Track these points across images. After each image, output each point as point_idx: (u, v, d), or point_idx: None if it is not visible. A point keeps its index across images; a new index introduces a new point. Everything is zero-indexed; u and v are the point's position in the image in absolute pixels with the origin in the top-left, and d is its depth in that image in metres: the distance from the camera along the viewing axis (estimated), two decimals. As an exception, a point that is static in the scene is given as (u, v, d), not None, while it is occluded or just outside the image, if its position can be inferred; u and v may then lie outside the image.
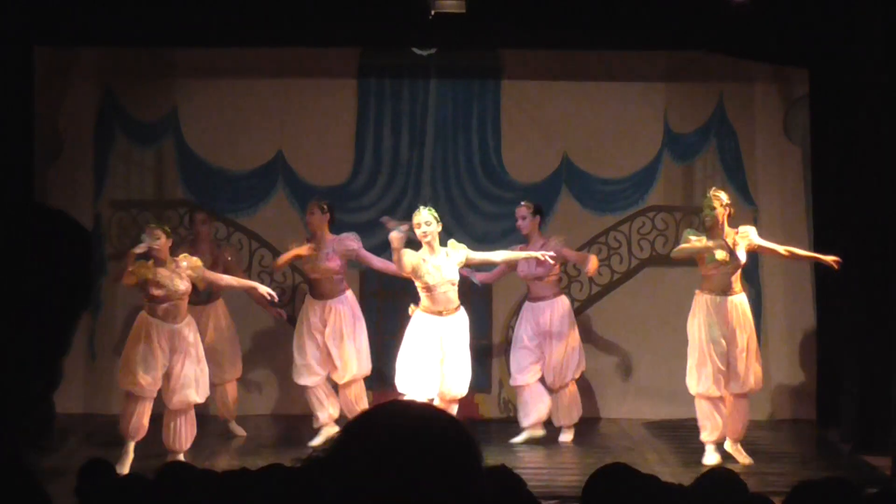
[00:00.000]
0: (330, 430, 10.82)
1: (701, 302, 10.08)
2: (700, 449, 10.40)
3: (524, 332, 11.12)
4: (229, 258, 11.25)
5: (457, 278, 10.14)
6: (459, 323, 10.21)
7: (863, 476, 9.40)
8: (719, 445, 10.16)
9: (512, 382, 11.21)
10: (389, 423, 2.25)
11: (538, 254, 10.35)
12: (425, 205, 10.43)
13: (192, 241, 11.15)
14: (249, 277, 11.75)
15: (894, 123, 9.77)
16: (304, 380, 10.95)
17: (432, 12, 10.33)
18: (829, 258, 10.19)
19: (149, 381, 9.89)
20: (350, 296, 11.00)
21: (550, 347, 11.08)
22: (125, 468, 9.64)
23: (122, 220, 12.16)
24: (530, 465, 10.05)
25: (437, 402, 10.03)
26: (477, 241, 11.88)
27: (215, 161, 12.19)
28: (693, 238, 10.04)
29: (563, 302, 11.17)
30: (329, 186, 12.16)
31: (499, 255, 10.56)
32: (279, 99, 12.17)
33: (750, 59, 11.84)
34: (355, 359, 10.85)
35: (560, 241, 11.05)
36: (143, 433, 9.94)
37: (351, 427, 2.30)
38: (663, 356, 12.07)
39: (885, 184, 9.89)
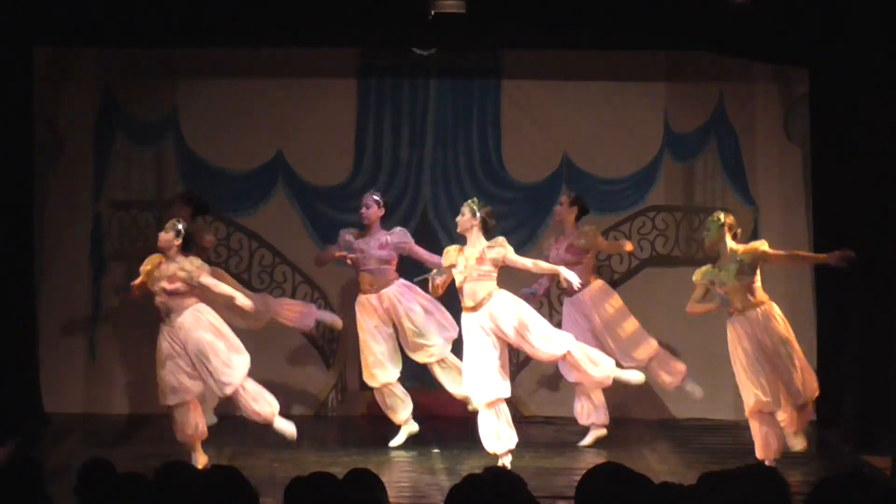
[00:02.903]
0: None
1: (731, 328, 9.80)
2: (700, 450, 10.40)
3: (575, 325, 10.95)
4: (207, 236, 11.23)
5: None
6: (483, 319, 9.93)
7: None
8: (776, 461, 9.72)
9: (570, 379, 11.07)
10: None
11: (566, 274, 9.80)
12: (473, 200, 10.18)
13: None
14: (250, 278, 11.77)
15: (894, 123, 9.77)
16: (373, 380, 10.82)
17: (432, 12, 10.33)
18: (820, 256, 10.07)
19: (175, 388, 9.77)
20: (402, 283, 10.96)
21: (605, 326, 11.03)
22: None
23: (122, 220, 12.15)
24: (530, 466, 10.05)
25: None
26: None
27: (215, 161, 12.19)
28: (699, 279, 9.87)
29: (601, 285, 11.16)
30: (329, 186, 12.17)
31: (533, 263, 10.03)
32: (279, 99, 12.17)
33: (750, 59, 11.84)
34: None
35: (593, 232, 11.05)
36: (205, 433, 9.87)
37: None
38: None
39: (885, 184, 9.89)
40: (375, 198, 10.87)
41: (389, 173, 12.26)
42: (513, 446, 9.80)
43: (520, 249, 11.60)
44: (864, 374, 10.31)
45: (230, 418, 11.58)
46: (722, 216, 9.83)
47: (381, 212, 10.84)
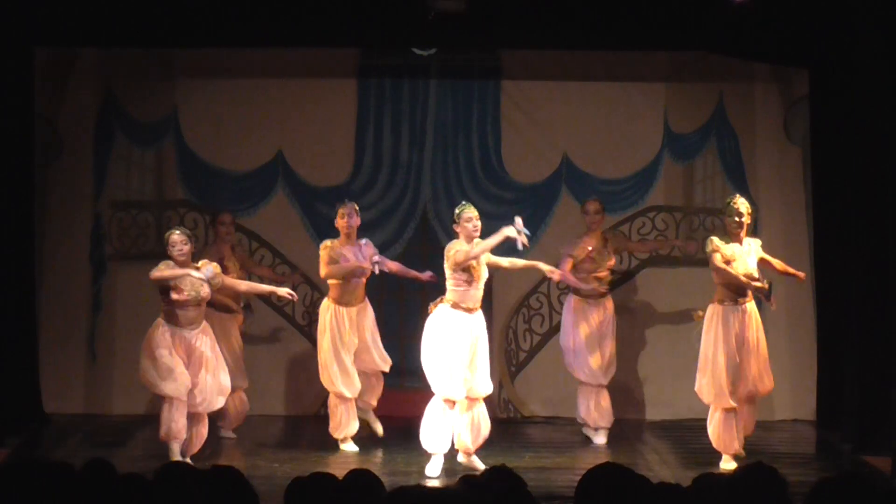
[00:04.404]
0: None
1: (716, 313, 9.98)
2: (700, 450, 10.39)
3: (584, 327, 11.06)
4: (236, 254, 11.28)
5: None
6: (483, 320, 9.93)
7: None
8: (736, 455, 10.00)
9: (580, 378, 11.07)
10: None
11: (545, 268, 10.07)
12: (466, 202, 10.13)
13: (213, 241, 11.18)
14: (250, 278, 11.75)
15: (894, 123, 9.77)
16: (345, 390, 10.66)
17: (432, 13, 10.33)
18: (799, 274, 10.24)
19: (185, 384, 9.75)
20: (368, 302, 10.83)
21: (601, 348, 11.05)
22: None
23: (122, 220, 12.16)
24: (530, 466, 10.05)
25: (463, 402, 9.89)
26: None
27: (215, 161, 12.19)
28: (719, 244, 9.92)
29: (611, 302, 11.18)
30: (329, 186, 12.17)
31: (508, 261, 10.15)
32: (279, 99, 12.17)
33: (750, 59, 11.84)
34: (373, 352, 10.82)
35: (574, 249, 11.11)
36: (184, 434, 9.83)
37: None
38: (663, 356, 12.07)
39: (885, 184, 9.88)
40: (356, 206, 10.74)
41: (389, 173, 12.26)
42: (444, 450, 9.80)
43: (518, 253, 11.64)
44: (864, 375, 10.31)
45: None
46: (746, 201, 10.01)
47: (359, 221, 10.75)
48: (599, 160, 12.24)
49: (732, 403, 9.90)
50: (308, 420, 11.76)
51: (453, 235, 11.12)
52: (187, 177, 12.19)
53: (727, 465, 9.93)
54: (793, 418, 11.99)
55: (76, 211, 12.07)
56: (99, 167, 12.13)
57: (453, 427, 9.78)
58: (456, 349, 9.74)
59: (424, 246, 11.75)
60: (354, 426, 10.67)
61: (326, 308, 10.73)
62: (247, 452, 10.49)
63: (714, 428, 9.99)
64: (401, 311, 12.07)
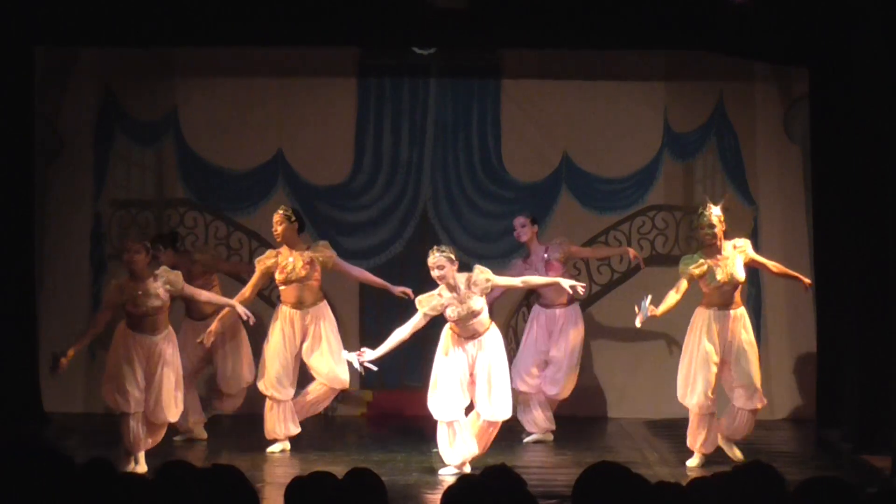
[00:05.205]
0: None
1: (702, 316, 9.98)
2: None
3: (535, 337, 11.08)
4: (197, 258, 11.09)
5: (481, 307, 9.66)
6: (490, 343, 9.74)
7: (863, 476, 9.40)
8: (705, 455, 10.05)
9: (517, 387, 11.10)
10: None
11: (566, 283, 9.86)
12: (438, 245, 9.99)
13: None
14: (250, 278, 11.74)
15: (894, 123, 9.76)
16: (278, 393, 10.61)
17: (433, 10, 10.33)
18: (806, 280, 10.29)
19: (136, 398, 9.76)
20: (326, 304, 10.72)
21: (560, 355, 11.05)
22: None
23: (122, 220, 12.16)
24: (530, 465, 10.05)
25: (477, 424, 9.83)
26: (476, 239, 12.00)
27: (215, 160, 12.20)
28: (690, 267, 9.91)
29: (577, 310, 11.17)
30: (329, 186, 12.17)
31: (522, 281, 10.17)
32: (279, 99, 12.18)
33: (750, 58, 11.84)
34: (333, 364, 10.67)
35: (566, 243, 11.08)
36: (145, 444, 9.86)
37: None
38: (663, 355, 12.07)
39: (885, 184, 9.88)
40: (283, 213, 10.60)
41: (389, 173, 12.27)
42: (467, 458, 9.79)
43: (519, 250, 11.63)
44: (864, 374, 10.30)
45: (229, 418, 11.59)
46: (718, 210, 9.95)
47: (295, 225, 10.58)
48: (599, 159, 12.25)
49: (694, 403, 9.91)
50: (308, 420, 11.75)
51: (453, 235, 11.18)
52: (187, 176, 12.19)
53: (692, 461, 9.97)
54: (793, 418, 11.99)
55: (76, 211, 12.07)
56: (99, 167, 12.13)
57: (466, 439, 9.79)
58: (448, 369, 9.72)
59: (424, 245, 11.72)
60: (292, 429, 10.65)
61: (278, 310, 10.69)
62: (247, 452, 10.48)
63: (690, 425, 10.04)
64: (399, 311, 12.05)
